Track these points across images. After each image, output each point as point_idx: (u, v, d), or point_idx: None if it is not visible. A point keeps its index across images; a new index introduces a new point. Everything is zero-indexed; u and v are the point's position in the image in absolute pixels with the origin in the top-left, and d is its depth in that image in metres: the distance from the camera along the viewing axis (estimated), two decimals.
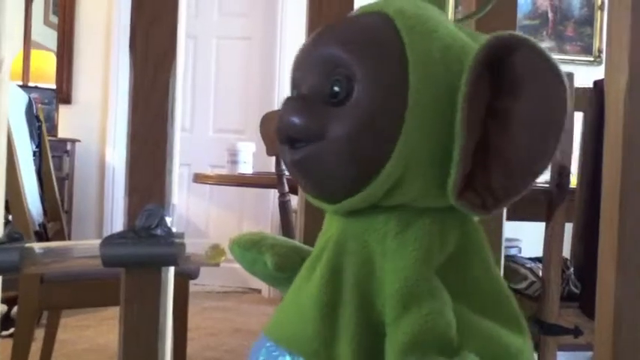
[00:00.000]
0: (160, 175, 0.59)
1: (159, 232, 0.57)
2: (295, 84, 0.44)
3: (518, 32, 0.39)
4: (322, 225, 0.48)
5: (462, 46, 0.41)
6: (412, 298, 0.38)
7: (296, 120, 0.41)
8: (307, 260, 0.46)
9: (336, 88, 0.40)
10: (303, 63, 0.44)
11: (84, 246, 0.59)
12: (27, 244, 0.56)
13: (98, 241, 0.57)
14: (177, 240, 0.58)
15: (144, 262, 0.58)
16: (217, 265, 0.59)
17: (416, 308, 0.37)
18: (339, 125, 0.40)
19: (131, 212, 0.59)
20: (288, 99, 0.43)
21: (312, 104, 0.41)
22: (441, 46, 0.40)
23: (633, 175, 0.65)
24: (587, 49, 3.39)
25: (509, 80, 0.38)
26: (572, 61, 3.31)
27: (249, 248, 0.52)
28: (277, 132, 0.43)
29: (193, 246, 0.59)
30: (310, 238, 0.64)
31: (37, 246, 0.56)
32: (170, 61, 0.61)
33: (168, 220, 0.59)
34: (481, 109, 0.39)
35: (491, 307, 0.42)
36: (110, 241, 0.57)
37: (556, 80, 0.38)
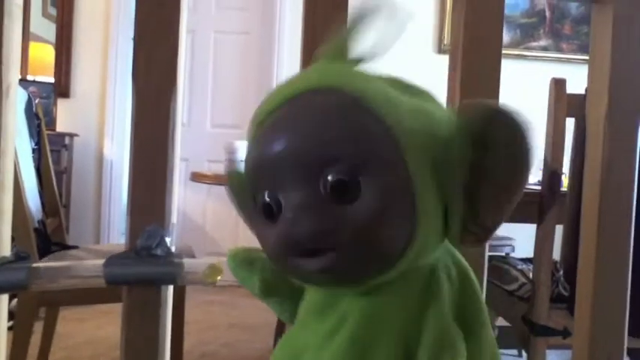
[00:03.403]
0: (160, 196, 0.62)
1: (159, 252, 0.60)
2: (270, 187, 0.42)
3: (492, 102, 0.42)
4: None
5: (420, 106, 0.43)
6: (443, 348, 0.41)
7: (314, 228, 0.39)
8: (318, 330, 0.46)
9: (341, 187, 0.39)
10: (278, 165, 0.41)
11: (87, 265, 0.61)
12: (34, 264, 0.59)
13: (101, 261, 0.60)
14: (176, 260, 0.61)
15: (144, 280, 0.61)
16: (214, 284, 0.62)
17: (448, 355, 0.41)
18: (363, 221, 0.39)
19: (132, 232, 0.62)
20: (293, 210, 0.40)
21: (319, 208, 0.39)
22: (411, 112, 0.42)
23: (611, 197, 0.69)
24: (583, 48, 3.39)
25: (489, 142, 0.41)
26: (569, 60, 3.33)
27: (242, 267, 0.55)
28: (286, 245, 0.40)
29: (192, 265, 0.62)
30: None
31: (43, 265, 0.59)
32: (172, 83, 0.63)
33: (167, 240, 0.62)
34: (466, 166, 0.42)
35: (483, 316, 0.47)
36: (112, 261, 0.60)
37: (526, 141, 0.42)
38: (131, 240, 0.62)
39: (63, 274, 0.61)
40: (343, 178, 0.39)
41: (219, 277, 0.62)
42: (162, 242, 0.60)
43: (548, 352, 1.51)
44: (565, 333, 1.46)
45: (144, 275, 0.60)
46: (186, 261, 0.62)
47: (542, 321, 1.48)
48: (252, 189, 0.44)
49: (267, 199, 0.42)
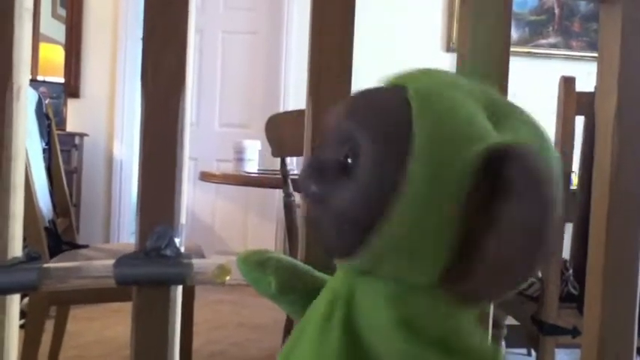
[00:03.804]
0: (169, 196, 0.63)
1: (168, 252, 0.60)
2: (322, 143, 0.47)
3: (522, 142, 0.38)
4: None
5: (472, 132, 0.40)
6: None
7: (308, 183, 0.45)
8: (320, 306, 0.48)
9: (346, 160, 0.43)
10: (329, 129, 0.47)
11: (97, 266, 0.62)
12: (44, 265, 0.60)
13: (111, 262, 0.61)
14: (185, 260, 0.62)
15: (154, 281, 0.62)
16: (223, 283, 0.62)
17: None
18: (341, 194, 0.42)
19: (142, 232, 0.63)
20: (311, 161, 0.46)
21: (325, 170, 0.44)
22: (451, 129, 0.40)
23: (620, 196, 0.68)
24: (593, 45, 3.38)
25: (504, 184, 0.37)
26: (578, 58, 3.32)
27: (254, 268, 0.56)
28: (299, 184, 0.46)
29: (201, 266, 0.62)
30: (312, 248, 0.67)
31: (54, 266, 0.60)
32: (180, 86, 0.64)
33: (177, 240, 0.62)
34: (477, 206, 0.39)
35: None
36: (122, 262, 0.61)
37: (545, 195, 0.36)
38: (141, 240, 0.62)
39: (73, 274, 0.62)
40: (349, 152, 0.43)
41: (228, 277, 0.63)
42: (171, 243, 0.61)
43: (557, 351, 1.50)
44: (574, 332, 1.45)
45: (153, 276, 0.61)
46: (196, 261, 0.62)
47: (551, 320, 1.47)
48: None
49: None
